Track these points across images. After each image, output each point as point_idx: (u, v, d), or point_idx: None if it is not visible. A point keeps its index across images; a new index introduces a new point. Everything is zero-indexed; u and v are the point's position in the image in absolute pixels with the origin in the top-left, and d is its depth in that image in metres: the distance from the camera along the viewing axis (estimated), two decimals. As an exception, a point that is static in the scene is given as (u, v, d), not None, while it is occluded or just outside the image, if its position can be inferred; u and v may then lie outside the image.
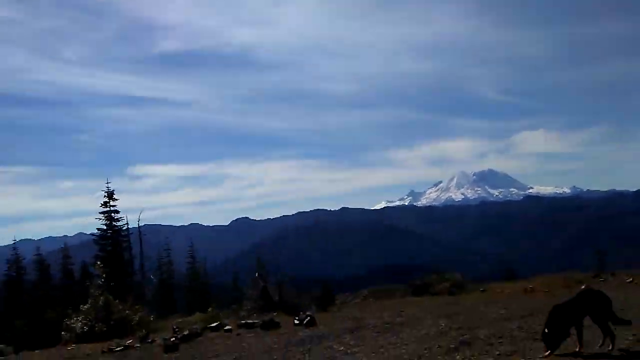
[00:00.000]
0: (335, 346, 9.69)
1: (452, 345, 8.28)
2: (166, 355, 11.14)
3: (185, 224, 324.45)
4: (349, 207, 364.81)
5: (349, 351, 9.10)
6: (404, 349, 8.60)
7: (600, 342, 6.67)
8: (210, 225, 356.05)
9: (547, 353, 6.59)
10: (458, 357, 7.46)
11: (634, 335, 7.22)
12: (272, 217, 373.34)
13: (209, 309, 17.60)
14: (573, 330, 6.72)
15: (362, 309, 16.58)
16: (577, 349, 6.62)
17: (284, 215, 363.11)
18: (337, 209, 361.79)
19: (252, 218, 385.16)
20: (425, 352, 8.11)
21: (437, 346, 8.40)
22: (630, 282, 16.95)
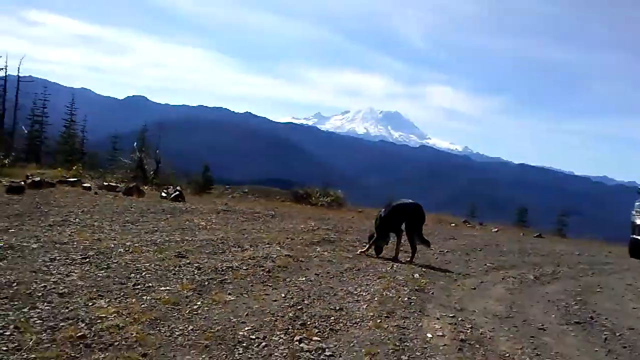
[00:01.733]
0: (196, 220, 9.00)
1: (316, 240, 7.92)
2: (7, 196, 9.85)
3: (75, 87, 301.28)
4: (254, 113, 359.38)
5: (208, 227, 8.46)
6: (266, 234, 8.12)
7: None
8: (103, 95, 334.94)
9: (362, 250, 7.04)
10: (318, 249, 7.10)
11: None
12: (171, 104, 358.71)
13: (74, 167, 16.05)
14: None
15: (237, 201, 16.04)
16: (394, 255, 6.95)
17: (184, 105, 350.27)
18: (241, 112, 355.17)
19: (150, 99, 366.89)
20: (287, 240, 7.68)
21: (300, 238, 8.01)
22: (497, 231, 17.88)
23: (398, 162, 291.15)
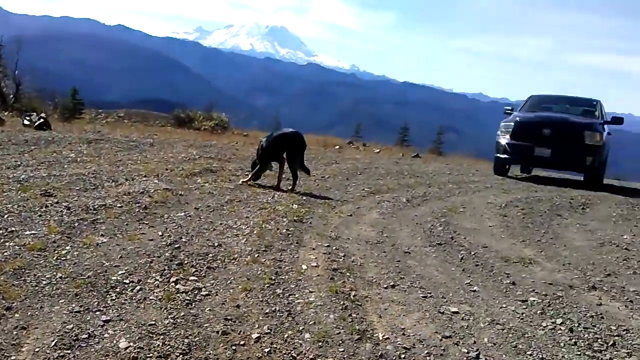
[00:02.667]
0: (64, 152, 8.40)
1: (196, 170, 7.77)
2: None
3: None
4: (127, 26, 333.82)
5: (78, 159, 7.93)
6: (142, 165, 7.80)
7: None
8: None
9: (244, 180, 7.16)
10: (199, 180, 6.98)
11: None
12: (30, 14, 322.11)
13: None
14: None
15: (112, 128, 15.15)
16: (276, 184, 7.10)
17: (46, 16, 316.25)
18: (113, 24, 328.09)
19: (5, 8, 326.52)
20: (166, 171, 7.45)
21: (180, 169, 7.80)
22: (378, 152, 18.66)
23: (285, 80, 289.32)
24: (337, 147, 18.15)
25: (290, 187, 6.90)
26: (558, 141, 10.52)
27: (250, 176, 7.18)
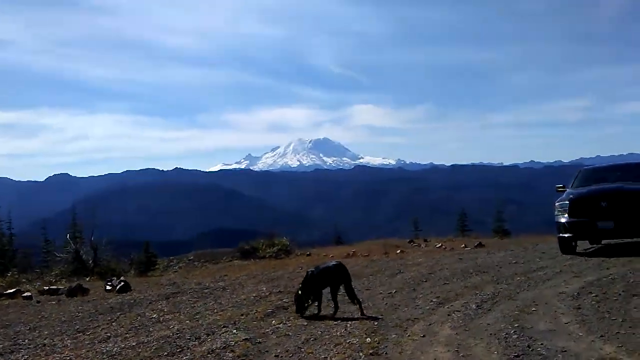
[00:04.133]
0: (147, 313, 9.00)
1: (269, 310, 8.13)
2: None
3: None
4: (183, 167, 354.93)
5: (161, 319, 8.47)
6: (219, 314, 8.24)
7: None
8: (23, 180, 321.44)
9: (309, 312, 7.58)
10: (274, 322, 7.31)
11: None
12: (96, 175, 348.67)
13: (9, 274, 15.49)
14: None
15: (185, 274, 15.93)
16: (317, 313, 7.54)
17: (110, 174, 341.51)
18: (170, 169, 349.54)
19: (72, 174, 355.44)
20: (242, 317, 7.84)
21: (254, 311, 8.19)
22: (440, 246, 18.65)
23: (336, 187, 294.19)
24: (399, 250, 18.26)
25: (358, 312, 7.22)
26: (618, 211, 10.42)
27: (297, 311, 7.61)
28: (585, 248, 12.41)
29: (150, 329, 7.73)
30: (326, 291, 7.54)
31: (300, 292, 7.67)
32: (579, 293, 7.01)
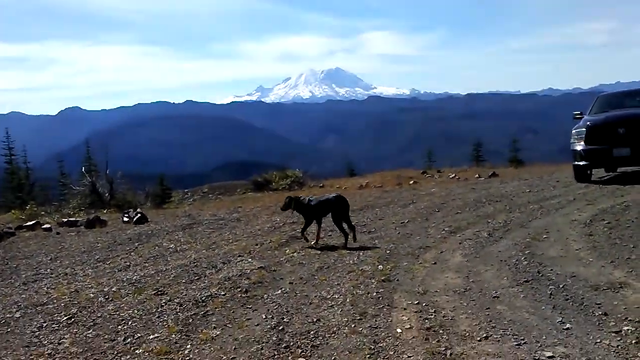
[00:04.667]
0: (165, 244, 9.22)
1: (283, 240, 8.27)
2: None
3: (4, 112, 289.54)
4: (195, 100, 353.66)
5: (178, 248, 8.69)
6: (235, 244, 8.41)
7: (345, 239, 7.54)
8: (35, 114, 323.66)
9: (313, 242, 7.72)
10: (287, 251, 7.45)
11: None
12: (107, 108, 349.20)
13: (27, 207, 15.85)
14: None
15: (200, 206, 16.18)
16: (314, 242, 7.68)
17: (121, 107, 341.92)
18: (181, 102, 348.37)
19: (84, 108, 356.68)
20: (257, 247, 8.01)
21: (269, 241, 8.34)
22: (453, 177, 18.63)
23: (349, 119, 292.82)
24: (412, 181, 18.29)
25: (343, 243, 7.38)
26: (635, 138, 10.23)
27: (304, 233, 7.87)
28: (601, 176, 12.32)
29: (168, 258, 7.94)
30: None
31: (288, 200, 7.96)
32: (592, 220, 7.02)
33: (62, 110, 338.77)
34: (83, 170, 18.20)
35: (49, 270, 8.12)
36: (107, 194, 17.34)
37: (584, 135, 10.98)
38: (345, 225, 7.51)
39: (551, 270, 5.09)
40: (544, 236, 6.49)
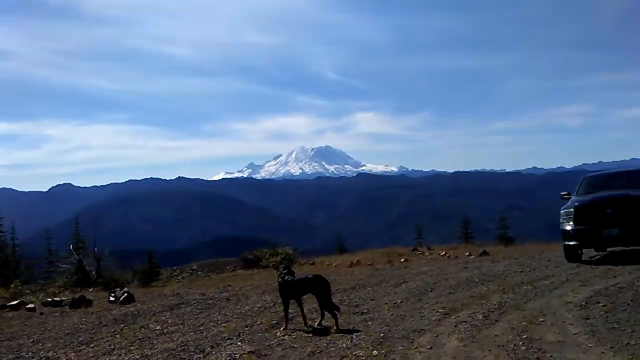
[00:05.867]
0: (151, 325, 8.95)
1: (274, 321, 8.07)
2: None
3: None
4: (186, 176, 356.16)
5: (165, 330, 8.42)
6: (224, 326, 8.18)
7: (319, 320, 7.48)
8: (26, 191, 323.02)
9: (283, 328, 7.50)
10: (278, 333, 7.25)
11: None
12: (99, 185, 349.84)
13: (12, 285, 15.45)
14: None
15: (188, 284, 15.86)
16: (283, 327, 7.47)
17: (112, 183, 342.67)
18: (173, 178, 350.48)
19: (75, 185, 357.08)
20: (247, 328, 7.79)
21: (259, 322, 8.13)
22: (444, 254, 18.56)
23: (338, 195, 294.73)
24: (403, 258, 18.17)
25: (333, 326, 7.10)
26: (624, 218, 10.36)
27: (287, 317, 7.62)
28: (591, 256, 12.33)
29: (154, 342, 7.67)
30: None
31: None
32: (587, 302, 6.94)
33: (52, 187, 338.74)
34: (71, 247, 17.91)
35: (30, 353, 7.81)
36: (94, 272, 16.99)
37: (572, 216, 11.09)
38: (325, 310, 7.26)
39: (550, 356, 4.97)
40: (540, 319, 6.39)
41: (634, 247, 11.61)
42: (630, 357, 4.72)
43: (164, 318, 9.52)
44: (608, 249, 12.52)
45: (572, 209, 11.14)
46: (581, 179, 13.10)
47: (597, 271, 9.66)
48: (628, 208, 10.48)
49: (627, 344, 5.09)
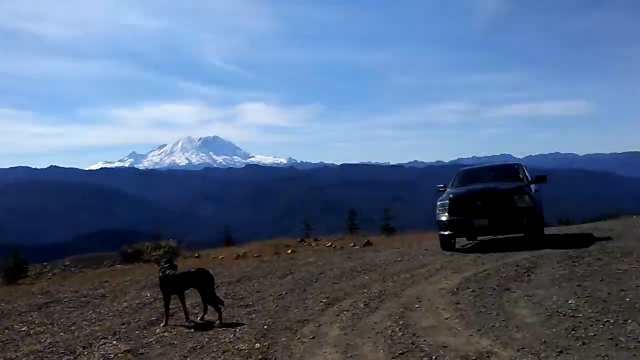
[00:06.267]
0: (16, 326, 8.22)
1: (153, 318, 7.74)
2: None
3: None
4: (59, 165, 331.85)
5: (32, 331, 7.76)
6: (98, 324, 7.70)
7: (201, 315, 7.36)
8: None
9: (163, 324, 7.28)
10: (158, 330, 6.95)
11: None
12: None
13: None
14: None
15: (60, 281, 14.78)
16: (163, 324, 7.28)
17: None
18: (44, 167, 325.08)
19: None
20: (123, 326, 7.40)
21: (137, 320, 7.76)
22: (330, 245, 18.92)
23: (226, 186, 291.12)
24: (290, 250, 18.29)
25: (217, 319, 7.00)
26: (492, 210, 11.18)
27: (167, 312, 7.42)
28: (464, 245, 13.20)
29: (19, 344, 7.06)
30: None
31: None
32: (458, 289, 7.39)
33: None
34: None
35: None
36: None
37: (447, 207, 11.78)
38: (209, 304, 7.11)
39: (424, 340, 5.21)
40: (416, 306, 6.69)
41: (501, 236, 12.59)
42: (495, 338, 5.07)
43: (30, 318, 8.78)
44: (479, 238, 13.49)
45: (447, 201, 11.83)
46: (456, 172, 13.97)
47: (468, 259, 10.34)
48: (496, 200, 11.34)
49: (492, 326, 5.48)
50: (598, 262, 8.37)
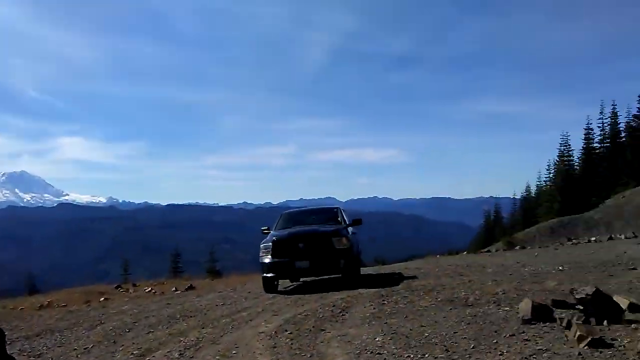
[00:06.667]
0: None
1: None
2: None
3: None
4: None
5: None
6: None
7: None
8: None
9: None
10: None
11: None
12: None
13: None
14: None
15: None
16: None
17: None
18: None
19: None
20: None
21: None
22: (149, 291, 17.83)
23: (34, 227, 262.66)
24: (103, 297, 16.86)
25: None
26: (312, 252, 11.59)
27: None
28: (286, 286, 13.39)
29: None
30: None
31: None
32: (276, 331, 7.40)
33: None
34: None
35: None
36: None
37: (270, 249, 11.92)
38: None
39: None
40: (234, 352, 6.54)
41: (322, 277, 13.07)
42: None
43: None
44: (301, 279, 13.82)
45: (270, 243, 11.99)
46: (279, 215, 14.28)
47: (289, 300, 10.48)
48: (316, 242, 11.79)
49: (306, 369, 5.54)
50: (404, 300, 9.05)
